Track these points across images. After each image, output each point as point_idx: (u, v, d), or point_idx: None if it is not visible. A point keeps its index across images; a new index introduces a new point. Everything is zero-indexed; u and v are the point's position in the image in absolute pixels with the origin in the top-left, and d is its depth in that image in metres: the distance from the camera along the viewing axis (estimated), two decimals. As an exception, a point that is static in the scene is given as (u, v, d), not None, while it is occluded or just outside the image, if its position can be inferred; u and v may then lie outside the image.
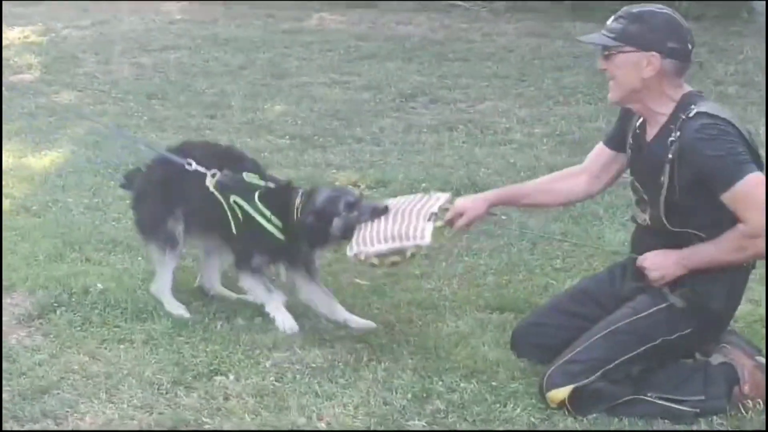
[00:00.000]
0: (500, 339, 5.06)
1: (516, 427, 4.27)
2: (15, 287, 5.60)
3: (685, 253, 4.42)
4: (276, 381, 4.65)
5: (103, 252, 6.22)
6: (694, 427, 4.31)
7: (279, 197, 5.26)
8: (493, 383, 4.63)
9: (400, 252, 4.74)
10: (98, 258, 6.12)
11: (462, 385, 4.61)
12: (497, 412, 4.39)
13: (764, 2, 12.82)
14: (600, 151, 4.90)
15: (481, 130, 9.50)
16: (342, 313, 5.29)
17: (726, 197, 4.23)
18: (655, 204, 4.47)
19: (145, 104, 10.44)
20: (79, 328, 5.15)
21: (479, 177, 7.84)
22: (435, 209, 4.76)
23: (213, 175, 5.26)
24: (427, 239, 4.66)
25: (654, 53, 4.34)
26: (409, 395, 4.50)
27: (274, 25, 14.51)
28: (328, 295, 5.36)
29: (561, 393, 4.36)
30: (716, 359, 4.54)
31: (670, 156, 4.33)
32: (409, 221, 4.76)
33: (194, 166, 5.29)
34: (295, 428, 4.23)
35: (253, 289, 5.30)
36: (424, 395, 4.51)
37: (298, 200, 5.19)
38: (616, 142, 4.79)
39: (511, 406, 4.43)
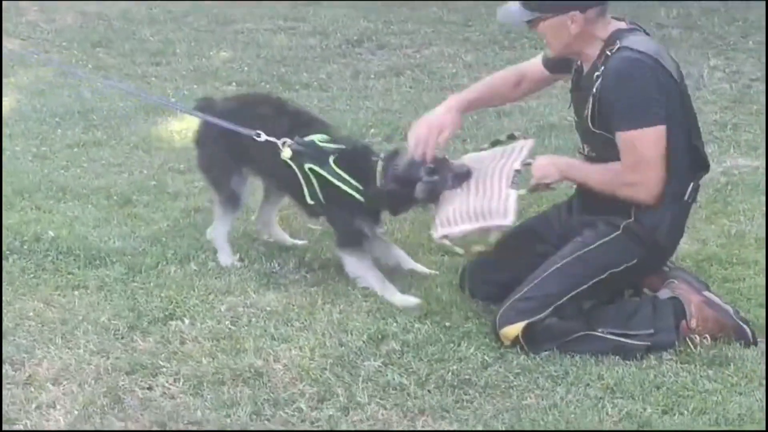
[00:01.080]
0: (453, 280, 5.12)
1: (470, 366, 4.33)
2: (-35, 236, 5.58)
3: (570, 163, 4.64)
4: (231, 325, 4.68)
5: (53, 200, 6.20)
6: (644, 363, 4.39)
7: (356, 160, 5.08)
8: (447, 324, 4.69)
9: (484, 232, 4.77)
10: (48, 206, 6.10)
11: (416, 326, 4.66)
12: (451, 351, 4.45)
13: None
14: (540, 70, 5.05)
15: (428, 75, 9.56)
16: (409, 263, 5.30)
17: (620, 137, 4.39)
18: (588, 137, 4.62)
19: (90, 52, 10.36)
20: (32, 275, 5.14)
21: (427, 122, 7.85)
22: (518, 165, 4.68)
23: (284, 144, 5.07)
24: (510, 218, 4.56)
25: (573, 12, 4.43)
26: (365, 336, 4.54)
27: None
28: (391, 246, 5.37)
29: (513, 330, 4.43)
30: (664, 294, 4.64)
31: (594, 90, 4.45)
32: (491, 191, 4.66)
33: (263, 137, 5.08)
34: (252, 370, 4.26)
35: (364, 278, 5.10)
36: (380, 336, 4.55)
37: (379, 165, 5.01)
38: (552, 64, 4.91)
39: (465, 345, 4.49)
